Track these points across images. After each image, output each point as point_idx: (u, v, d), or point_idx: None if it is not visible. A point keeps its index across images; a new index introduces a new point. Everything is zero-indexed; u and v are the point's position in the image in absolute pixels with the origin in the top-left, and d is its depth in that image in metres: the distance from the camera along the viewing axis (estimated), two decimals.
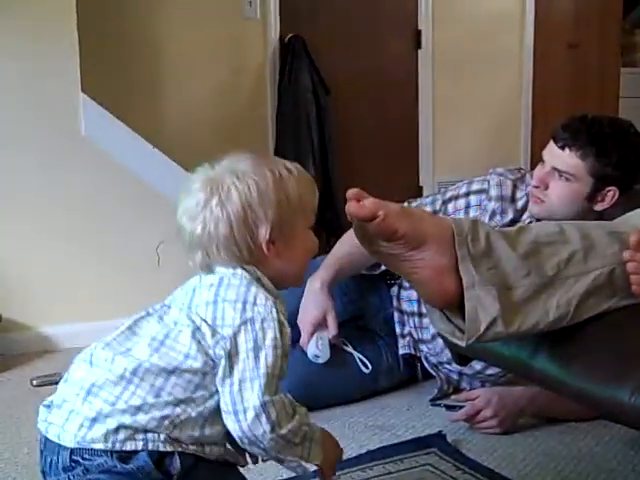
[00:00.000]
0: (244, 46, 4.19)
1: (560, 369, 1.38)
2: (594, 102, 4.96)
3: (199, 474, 1.21)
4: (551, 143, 2.07)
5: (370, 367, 2.34)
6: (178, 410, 1.17)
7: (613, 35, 5.33)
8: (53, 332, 2.94)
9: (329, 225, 4.12)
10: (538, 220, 2.15)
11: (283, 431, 1.19)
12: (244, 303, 1.20)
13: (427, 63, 4.67)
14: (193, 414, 1.18)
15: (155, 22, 3.92)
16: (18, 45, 2.84)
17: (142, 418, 1.16)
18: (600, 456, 1.99)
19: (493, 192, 2.23)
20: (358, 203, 1.26)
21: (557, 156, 2.04)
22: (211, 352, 1.18)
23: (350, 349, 2.36)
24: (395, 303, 2.45)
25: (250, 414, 1.17)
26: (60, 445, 1.18)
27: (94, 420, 1.16)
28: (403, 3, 4.61)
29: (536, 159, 2.18)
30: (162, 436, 1.17)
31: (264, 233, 1.22)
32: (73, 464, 1.17)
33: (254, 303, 1.20)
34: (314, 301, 2.23)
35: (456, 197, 2.29)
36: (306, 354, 2.24)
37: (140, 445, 1.16)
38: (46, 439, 1.21)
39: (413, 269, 1.31)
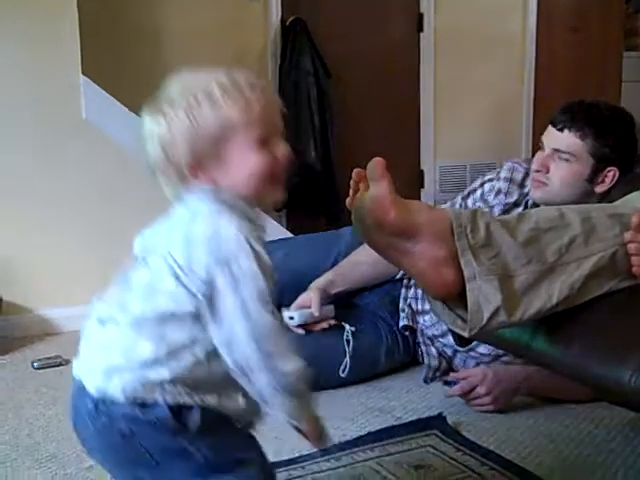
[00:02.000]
0: (246, 29, 4.17)
1: (560, 350, 1.38)
2: (597, 86, 4.94)
3: (218, 430, 1.23)
4: (549, 127, 2.14)
5: (346, 371, 2.35)
6: (187, 355, 1.20)
7: (616, 19, 5.30)
8: (54, 315, 2.94)
9: (329, 208, 4.13)
10: (536, 206, 2.18)
11: (276, 362, 1.18)
12: (214, 240, 1.18)
13: (429, 47, 4.64)
14: (200, 355, 1.20)
15: (156, 5, 3.91)
16: (18, 28, 2.83)
17: (157, 369, 1.19)
18: (600, 437, 2.00)
19: (503, 174, 2.32)
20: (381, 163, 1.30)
21: (557, 138, 2.09)
22: (196, 294, 1.19)
23: (346, 325, 2.37)
24: (405, 281, 2.47)
25: (241, 340, 1.17)
26: (87, 393, 1.23)
27: (112, 372, 1.20)
28: None
29: (537, 142, 2.21)
30: (179, 387, 1.20)
31: (184, 163, 1.22)
32: (97, 413, 1.22)
33: (224, 238, 1.18)
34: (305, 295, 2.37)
35: (473, 190, 2.40)
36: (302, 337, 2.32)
37: (159, 397, 1.19)
38: (76, 389, 1.25)
39: (412, 261, 1.32)
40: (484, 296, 1.28)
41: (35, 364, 2.54)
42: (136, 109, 3.12)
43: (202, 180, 1.22)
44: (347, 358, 2.33)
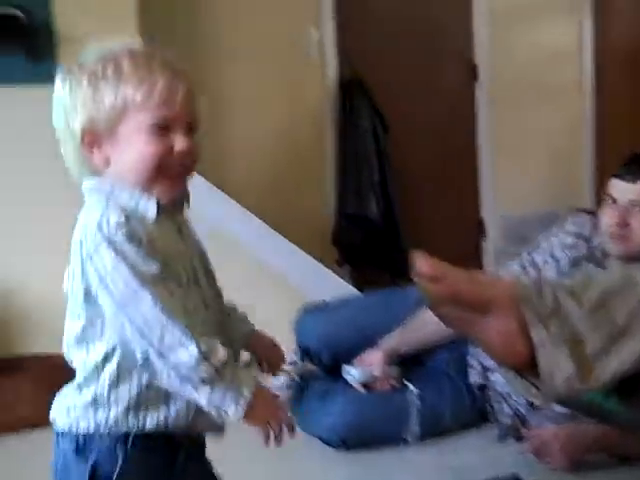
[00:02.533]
0: (304, 86, 4.25)
1: (634, 411, 1.37)
2: None
3: None
4: (615, 181, 2.14)
5: (411, 435, 2.35)
6: (106, 371, 1.18)
7: None
8: None
9: (393, 264, 4.14)
10: (604, 258, 2.17)
11: (165, 354, 1.11)
12: (81, 236, 1.16)
13: (485, 97, 4.67)
14: (123, 363, 1.17)
15: (214, 66, 4.01)
16: None
17: (85, 389, 1.19)
18: None
19: (569, 227, 2.32)
20: (425, 261, 1.28)
21: (630, 190, 2.10)
22: (84, 296, 1.17)
23: (410, 387, 2.36)
24: None
25: (126, 335, 1.13)
26: None
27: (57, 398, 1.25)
28: (459, 37, 4.63)
29: (601, 191, 2.22)
30: (112, 411, 1.17)
31: (80, 133, 1.18)
32: None
33: (88, 233, 1.15)
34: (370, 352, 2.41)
35: (539, 244, 2.39)
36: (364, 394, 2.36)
37: (91, 426, 1.19)
38: None
39: (481, 334, 1.32)
40: (556, 364, 1.28)
41: None
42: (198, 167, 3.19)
43: (97, 157, 1.19)
44: (411, 421, 2.31)
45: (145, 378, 1.16)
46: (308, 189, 4.23)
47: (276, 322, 3.04)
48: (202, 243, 1.32)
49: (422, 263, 1.27)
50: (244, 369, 1.18)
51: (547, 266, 2.28)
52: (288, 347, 2.81)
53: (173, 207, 1.23)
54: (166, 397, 1.18)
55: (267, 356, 1.37)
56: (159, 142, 1.18)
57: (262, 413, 1.15)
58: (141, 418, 1.18)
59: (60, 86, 1.20)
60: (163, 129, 1.18)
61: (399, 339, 2.42)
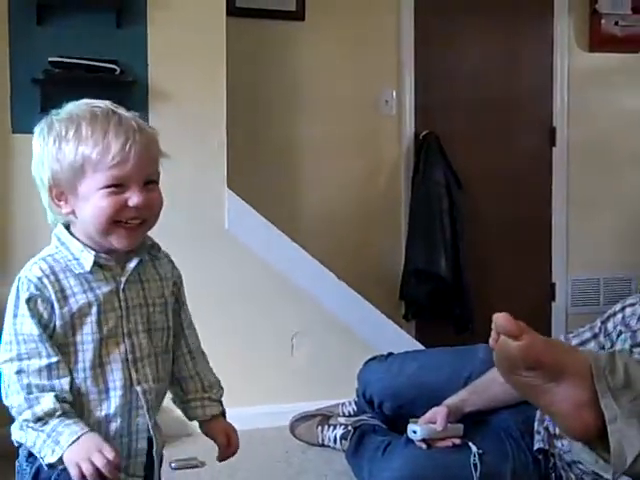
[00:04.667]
0: (380, 142, 4.30)
1: None
2: None
3: None
4: None
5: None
6: None
7: None
8: None
9: (458, 320, 4.13)
10: None
11: (7, 395, 1.29)
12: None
13: (562, 160, 4.65)
14: None
15: (296, 121, 4.10)
16: (174, 142, 3.03)
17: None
18: None
19: None
20: (507, 318, 1.29)
21: None
22: None
23: (472, 446, 2.33)
24: None
25: None
26: None
27: None
28: (538, 101, 4.64)
29: None
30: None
31: (47, 187, 1.32)
32: None
33: (18, 278, 1.33)
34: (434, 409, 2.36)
35: (614, 314, 2.31)
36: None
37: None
38: None
39: (551, 402, 1.31)
40: (627, 439, 1.27)
41: (173, 464, 2.57)
42: (274, 219, 3.25)
43: (64, 209, 1.33)
44: None
45: None
46: (379, 243, 4.26)
47: (339, 372, 3.08)
48: (162, 300, 1.45)
49: (504, 319, 1.29)
50: (71, 422, 1.28)
51: (622, 337, 2.23)
52: (351, 397, 2.84)
53: (120, 262, 1.37)
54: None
55: (221, 441, 1.51)
56: (112, 198, 1.30)
57: (76, 457, 1.25)
58: None
59: (34, 143, 1.34)
60: (117, 187, 1.30)
61: (465, 398, 2.40)
